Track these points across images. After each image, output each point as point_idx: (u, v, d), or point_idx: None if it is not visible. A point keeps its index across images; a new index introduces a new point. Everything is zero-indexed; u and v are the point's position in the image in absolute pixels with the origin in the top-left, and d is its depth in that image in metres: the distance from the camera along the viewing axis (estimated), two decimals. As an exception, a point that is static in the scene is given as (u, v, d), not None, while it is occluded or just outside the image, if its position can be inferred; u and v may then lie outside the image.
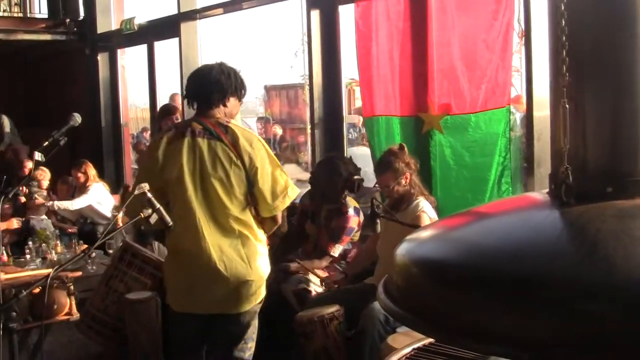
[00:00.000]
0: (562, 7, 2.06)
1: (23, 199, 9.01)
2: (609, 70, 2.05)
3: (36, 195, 9.06)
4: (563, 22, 2.06)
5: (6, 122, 11.15)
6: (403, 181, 5.12)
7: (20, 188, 8.32)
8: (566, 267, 1.79)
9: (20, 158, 9.95)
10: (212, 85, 4.10)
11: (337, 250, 5.82)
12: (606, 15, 2.04)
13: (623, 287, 1.69)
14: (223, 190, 3.97)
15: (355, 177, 5.92)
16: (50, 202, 9.13)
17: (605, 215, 1.93)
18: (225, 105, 4.15)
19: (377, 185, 5.46)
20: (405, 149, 5.31)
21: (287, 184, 4.15)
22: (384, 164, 5.24)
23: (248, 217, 4.09)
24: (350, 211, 5.89)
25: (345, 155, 6.97)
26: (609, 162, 2.05)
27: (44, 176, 9.66)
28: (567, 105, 2.06)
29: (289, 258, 5.96)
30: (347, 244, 5.86)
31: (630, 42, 2.03)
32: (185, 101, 4.26)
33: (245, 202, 4.04)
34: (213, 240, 3.97)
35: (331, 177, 5.91)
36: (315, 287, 5.68)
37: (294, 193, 4.24)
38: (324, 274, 5.74)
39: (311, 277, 5.72)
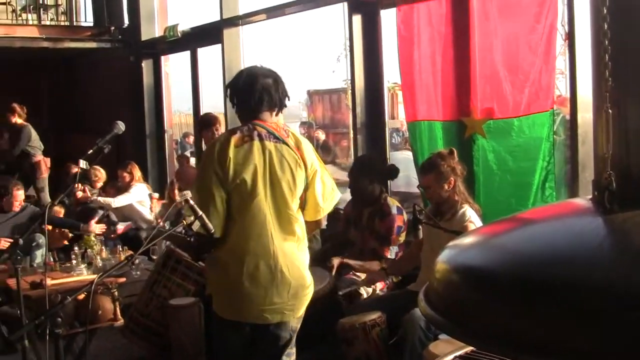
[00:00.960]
0: (605, 11, 2.03)
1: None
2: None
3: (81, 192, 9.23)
4: (605, 26, 2.03)
5: (30, 133, 11.09)
6: (446, 186, 5.09)
7: (75, 187, 8.48)
8: (608, 275, 1.76)
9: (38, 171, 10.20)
10: (282, 95, 4.15)
11: (392, 252, 5.86)
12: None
13: (667, 296, 1.65)
14: (289, 193, 3.99)
15: (388, 165, 5.97)
16: (93, 198, 9.27)
17: (649, 222, 1.91)
18: (281, 111, 4.19)
19: (418, 187, 5.44)
20: (455, 154, 5.27)
21: (333, 187, 4.20)
22: (430, 165, 5.23)
23: (302, 219, 4.12)
24: (394, 210, 5.92)
25: (387, 159, 6.98)
26: (654, 169, 2.02)
27: (99, 177, 9.81)
28: (610, 111, 2.03)
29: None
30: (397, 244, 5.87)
31: (675, 46, 2.00)
32: (242, 104, 4.15)
33: (298, 205, 4.08)
34: (279, 244, 3.97)
35: (365, 176, 5.94)
36: (364, 290, 5.68)
37: (339, 196, 4.30)
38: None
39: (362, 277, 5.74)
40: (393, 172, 6.13)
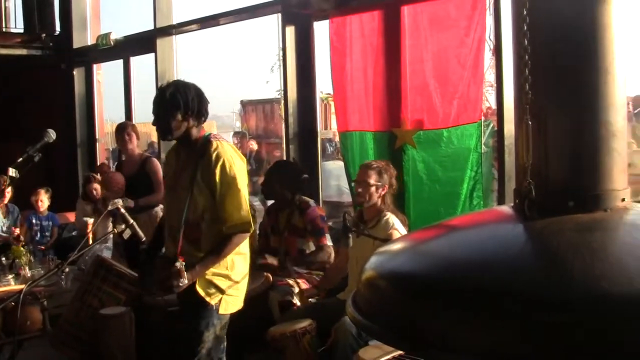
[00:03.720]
0: (525, 27, 2.11)
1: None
2: (570, 89, 2.10)
3: None
4: (526, 42, 2.12)
5: None
6: (380, 190, 5.16)
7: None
8: (527, 279, 1.84)
9: None
10: (206, 102, 4.27)
11: (328, 240, 5.92)
12: (568, 36, 2.09)
13: (582, 299, 1.73)
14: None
15: (303, 176, 6.04)
16: None
17: (565, 229, 1.99)
18: None
19: (353, 182, 5.51)
20: (395, 172, 5.41)
21: None
22: (374, 164, 5.34)
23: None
24: (311, 204, 6.02)
25: (318, 169, 7.06)
26: (570, 178, 2.11)
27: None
28: (530, 122, 2.11)
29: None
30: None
31: (592, 63, 2.09)
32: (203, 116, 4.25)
33: None
34: None
35: (277, 180, 6.03)
36: (297, 299, 5.71)
37: None
38: (305, 286, 5.78)
39: (297, 289, 5.75)
40: (303, 183, 6.16)
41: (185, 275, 3.91)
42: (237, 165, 4.12)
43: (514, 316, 1.79)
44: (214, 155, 4.10)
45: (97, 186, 8.69)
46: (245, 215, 4.09)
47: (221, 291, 4.15)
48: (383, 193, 5.19)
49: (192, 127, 4.19)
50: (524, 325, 1.77)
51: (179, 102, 4.11)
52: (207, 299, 4.11)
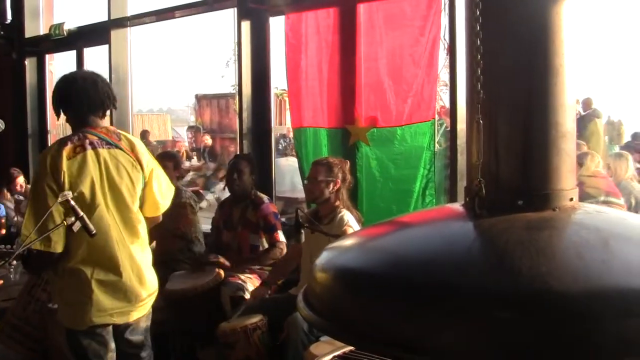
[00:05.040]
0: (478, 27, 2.14)
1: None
2: (521, 89, 2.13)
3: None
4: (478, 42, 2.14)
5: None
6: (331, 185, 5.17)
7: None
8: (475, 276, 1.87)
9: None
10: (102, 96, 4.03)
11: (281, 236, 5.95)
12: (520, 37, 2.12)
13: (528, 296, 1.77)
14: (129, 197, 3.96)
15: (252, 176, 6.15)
16: None
17: (514, 227, 2.02)
18: (105, 113, 4.13)
19: (306, 180, 5.52)
20: (349, 166, 5.41)
21: (168, 183, 4.27)
22: (326, 161, 5.37)
23: (143, 219, 4.10)
24: (265, 200, 6.08)
25: (272, 165, 7.08)
26: (520, 177, 2.14)
27: None
28: (481, 121, 2.14)
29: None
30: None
31: (542, 64, 2.12)
32: (67, 112, 4.03)
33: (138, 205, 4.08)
34: (125, 251, 3.92)
35: (244, 173, 6.07)
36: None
37: (173, 191, 4.36)
38: (257, 281, 5.78)
39: (249, 284, 5.75)
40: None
41: None
42: (39, 165, 3.87)
43: (460, 312, 1.81)
44: None
45: (21, 181, 8.67)
46: (29, 228, 3.65)
47: None
48: (335, 189, 5.20)
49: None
50: (470, 320, 1.79)
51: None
52: None
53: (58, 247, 3.70)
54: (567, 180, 2.16)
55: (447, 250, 2.04)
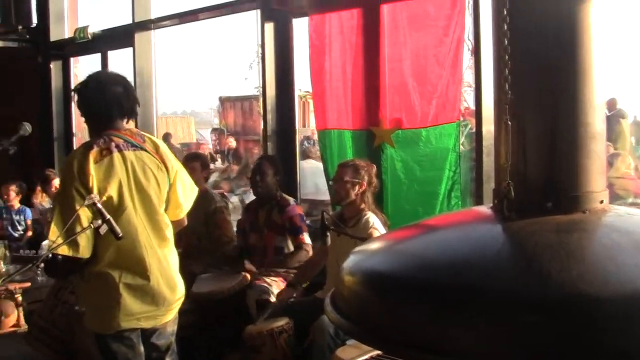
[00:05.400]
0: (505, 27, 2.11)
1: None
2: (550, 90, 2.10)
3: None
4: (506, 41, 2.12)
5: None
6: (357, 187, 5.15)
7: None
8: (504, 279, 1.84)
9: None
10: (133, 102, 4.05)
11: (307, 238, 5.94)
12: (549, 36, 2.10)
13: (557, 300, 1.74)
14: (157, 199, 3.93)
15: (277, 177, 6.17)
16: None
17: (543, 230, 1.99)
18: (132, 118, 4.14)
19: (331, 182, 5.51)
20: (375, 170, 5.39)
21: (191, 184, 4.22)
22: (350, 162, 5.39)
23: (169, 222, 4.08)
24: (291, 202, 6.10)
25: (297, 167, 7.09)
26: (549, 178, 2.11)
27: None
28: (509, 122, 2.11)
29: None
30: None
31: (572, 64, 2.09)
32: (93, 115, 4.01)
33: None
34: (153, 254, 3.90)
35: (272, 172, 6.11)
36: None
37: (196, 192, 4.30)
38: (283, 284, 5.77)
39: (274, 287, 5.74)
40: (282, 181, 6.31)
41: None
42: (66, 169, 3.88)
43: (490, 316, 1.79)
44: None
45: (56, 183, 8.70)
46: (56, 232, 3.63)
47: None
48: (361, 191, 5.19)
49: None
50: (499, 324, 1.77)
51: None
52: None
53: (86, 252, 3.68)
54: (597, 182, 2.13)
55: (476, 253, 2.02)
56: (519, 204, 2.10)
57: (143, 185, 3.89)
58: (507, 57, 2.11)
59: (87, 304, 4.05)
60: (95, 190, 3.70)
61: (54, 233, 3.61)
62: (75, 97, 4.05)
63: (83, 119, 4.10)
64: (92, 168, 3.76)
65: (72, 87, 11.03)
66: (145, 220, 3.90)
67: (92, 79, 4.04)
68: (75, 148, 10.88)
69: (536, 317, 1.72)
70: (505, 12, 2.11)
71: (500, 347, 1.76)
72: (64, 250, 3.56)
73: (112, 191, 3.77)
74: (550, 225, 2.01)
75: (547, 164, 2.12)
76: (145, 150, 3.96)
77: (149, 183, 3.91)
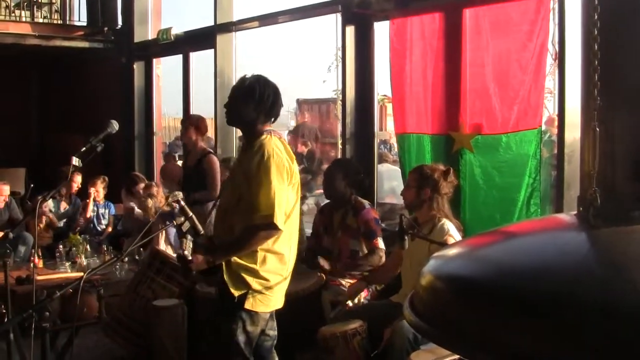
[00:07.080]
0: (595, 32, 2.08)
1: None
2: (639, 95, 2.06)
3: None
4: (596, 47, 2.08)
5: None
6: (421, 193, 5.10)
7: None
8: (590, 288, 1.81)
9: None
10: (280, 104, 4.40)
11: (381, 243, 5.95)
12: (638, 41, 2.06)
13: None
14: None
15: (360, 175, 6.19)
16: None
17: (631, 239, 1.95)
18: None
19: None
20: (451, 174, 5.22)
21: None
22: (417, 168, 5.38)
23: None
24: (366, 205, 6.08)
25: (375, 170, 7.06)
26: (637, 186, 2.07)
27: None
28: (597, 129, 2.07)
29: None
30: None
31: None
32: (269, 113, 4.33)
33: None
34: (293, 248, 4.37)
35: (340, 176, 6.08)
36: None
37: None
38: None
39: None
40: (361, 182, 6.25)
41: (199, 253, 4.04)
42: (276, 159, 4.11)
43: (575, 325, 1.76)
44: (257, 146, 4.17)
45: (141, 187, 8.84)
46: (270, 208, 4.04)
47: (247, 285, 4.13)
48: (427, 197, 5.11)
49: (259, 122, 4.24)
50: (585, 335, 1.74)
51: (255, 94, 4.20)
52: (232, 290, 4.12)
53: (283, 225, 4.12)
54: (688, 191, 2.08)
55: (561, 261, 1.98)
56: (605, 212, 2.05)
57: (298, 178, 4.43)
58: (596, 62, 2.08)
59: (258, 284, 4.25)
60: (292, 174, 4.22)
61: (259, 208, 4.03)
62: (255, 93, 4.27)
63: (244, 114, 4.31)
64: (288, 155, 4.28)
65: (153, 87, 11.34)
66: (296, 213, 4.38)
67: (268, 82, 4.35)
68: (159, 148, 11.14)
69: (624, 328, 1.68)
70: (595, 17, 2.08)
71: (584, 358, 1.73)
72: (275, 219, 4.02)
73: (295, 178, 4.28)
74: (638, 235, 1.97)
75: (636, 171, 2.07)
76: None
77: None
